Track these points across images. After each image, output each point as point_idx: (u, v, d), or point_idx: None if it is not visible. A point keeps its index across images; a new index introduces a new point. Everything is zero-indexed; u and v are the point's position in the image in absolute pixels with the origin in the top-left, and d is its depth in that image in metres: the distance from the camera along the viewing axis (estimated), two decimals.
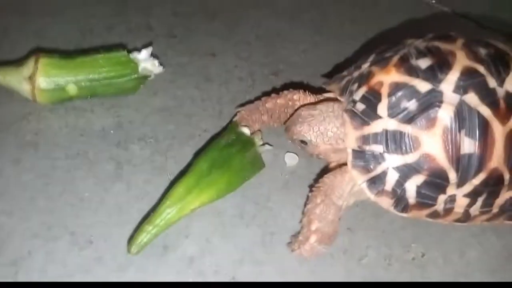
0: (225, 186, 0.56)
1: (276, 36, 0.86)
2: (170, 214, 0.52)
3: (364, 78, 0.54)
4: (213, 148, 0.58)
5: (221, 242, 0.55)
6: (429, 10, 0.96)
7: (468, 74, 0.50)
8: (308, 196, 0.55)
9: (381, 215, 0.58)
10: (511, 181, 0.52)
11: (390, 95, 0.51)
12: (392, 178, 0.52)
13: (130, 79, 0.67)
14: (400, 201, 0.52)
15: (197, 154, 0.62)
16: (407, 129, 0.51)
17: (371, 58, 0.56)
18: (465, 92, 0.50)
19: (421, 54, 0.53)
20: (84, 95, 0.66)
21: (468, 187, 0.51)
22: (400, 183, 0.52)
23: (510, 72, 0.51)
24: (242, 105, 0.67)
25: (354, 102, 0.54)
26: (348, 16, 0.93)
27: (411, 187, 0.52)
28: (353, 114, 0.53)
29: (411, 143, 0.51)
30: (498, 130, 0.50)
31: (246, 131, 0.61)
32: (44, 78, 0.63)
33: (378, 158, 0.52)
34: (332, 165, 0.59)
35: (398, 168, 0.51)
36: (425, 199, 0.52)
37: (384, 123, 0.51)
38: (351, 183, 0.54)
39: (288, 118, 0.61)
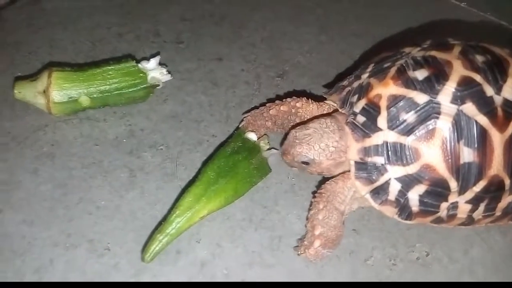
0: (232, 193, 0.58)
1: (281, 37, 0.87)
2: (180, 223, 0.54)
3: (364, 90, 0.55)
4: (220, 156, 0.60)
5: (231, 246, 0.57)
6: (431, 4, 0.96)
7: (465, 84, 0.51)
8: (311, 202, 0.57)
9: (386, 216, 0.59)
10: None
11: (389, 107, 0.53)
12: (394, 188, 0.53)
13: (140, 89, 0.69)
14: (403, 209, 0.54)
15: (206, 161, 0.64)
16: (407, 140, 0.52)
17: (370, 68, 0.57)
18: (462, 102, 0.51)
19: (418, 65, 0.53)
20: (96, 105, 0.69)
21: (469, 194, 0.52)
22: (403, 192, 0.53)
23: (507, 79, 0.52)
24: (248, 111, 0.69)
25: (355, 114, 0.55)
26: (353, 14, 0.94)
27: (414, 196, 0.53)
28: (354, 126, 0.55)
29: (411, 154, 0.52)
30: (497, 138, 0.50)
31: (252, 136, 0.62)
32: (57, 92, 0.65)
33: (380, 169, 0.53)
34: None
35: (400, 179, 0.53)
36: (428, 207, 0.53)
37: (384, 135, 0.53)
38: (353, 189, 0.55)
39: (291, 127, 0.61)
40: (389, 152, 0.52)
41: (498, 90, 0.51)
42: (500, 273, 0.56)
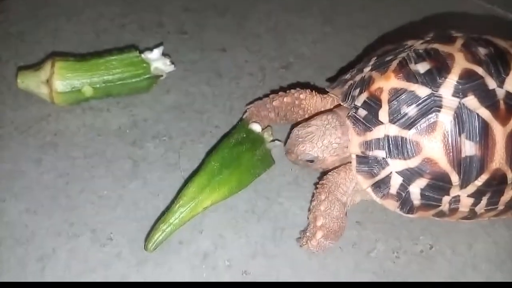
0: (236, 184, 0.58)
1: (286, 28, 0.87)
2: (183, 213, 0.54)
3: (365, 84, 0.55)
4: (224, 147, 0.60)
5: (234, 237, 0.57)
6: None
7: (467, 77, 0.50)
8: (313, 193, 0.57)
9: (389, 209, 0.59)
10: None
11: (390, 101, 0.52)
12: (396, 182, 0.53)
13: (143, 79, 0.69)
14: (405, 203, 0.53)
15: (209, 152, 0.64)
16: (408, 134, 0.51)
17: (372, 62, 0.56)
18: (464, 95, 0.50)
19: (420, 58, 0.53)
20: (99, 95, 0.68)
21: (471, 188, 0.52)
22: (404, 186, 0.53)
23: (510, 72, 0.51)
24: (251, 102, 0.69)
25: (356, 108, 0.55)
26: (358, 5, 0.93)
27: (415, 190, 0.52)
28: (355, 120, 0.54)
29: (412, 148, 0.51)
30: (499, 132, 0.50)
31: (256, 127, 0.62)
32: (60, 81, 0.65)
33: (381, 163, 0.53)
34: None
35: (401, 172, 0.52)
36: (429, 200, 0.53)
37: (386, 128, 0.52)
38: (355, 180, 0.55)
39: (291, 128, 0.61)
40: (390, 146, 0.52)
41: (501, 83, 0.50)
42: (504, 267, 0.56)
